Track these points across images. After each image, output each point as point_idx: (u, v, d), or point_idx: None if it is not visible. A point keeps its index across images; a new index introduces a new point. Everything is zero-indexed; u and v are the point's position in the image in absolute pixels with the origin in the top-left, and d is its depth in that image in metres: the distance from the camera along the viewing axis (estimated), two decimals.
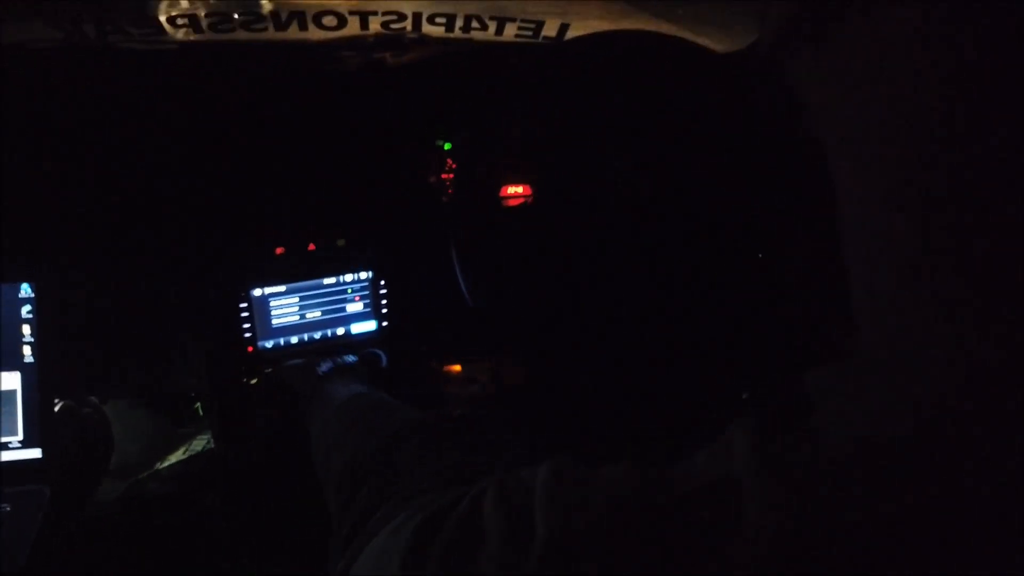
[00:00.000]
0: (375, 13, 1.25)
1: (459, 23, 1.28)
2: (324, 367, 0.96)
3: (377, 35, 1.28)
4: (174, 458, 1.37)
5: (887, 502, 0.34)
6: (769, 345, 1.23)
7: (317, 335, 1.22)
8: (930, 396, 0.36)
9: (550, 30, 1.29)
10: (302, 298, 1.20)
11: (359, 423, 0.71)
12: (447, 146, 1.28)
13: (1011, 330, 0.34)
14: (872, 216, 0.40)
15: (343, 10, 1.23)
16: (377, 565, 0.47)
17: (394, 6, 1.21)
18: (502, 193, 1.31)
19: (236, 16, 1.19)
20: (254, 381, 1.18)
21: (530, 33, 1.30)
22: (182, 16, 1.18)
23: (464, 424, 1.28)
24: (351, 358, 1.02)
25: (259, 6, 1.16)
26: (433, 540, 0.42)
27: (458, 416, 1.30)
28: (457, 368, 1.36)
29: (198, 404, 1.40)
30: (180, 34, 1.19)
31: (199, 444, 1.39)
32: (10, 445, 0.99)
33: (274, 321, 1.19)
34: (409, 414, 0.73)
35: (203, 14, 1.15)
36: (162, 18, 1.16)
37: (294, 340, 1.21)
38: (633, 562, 0.36)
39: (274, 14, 1.21)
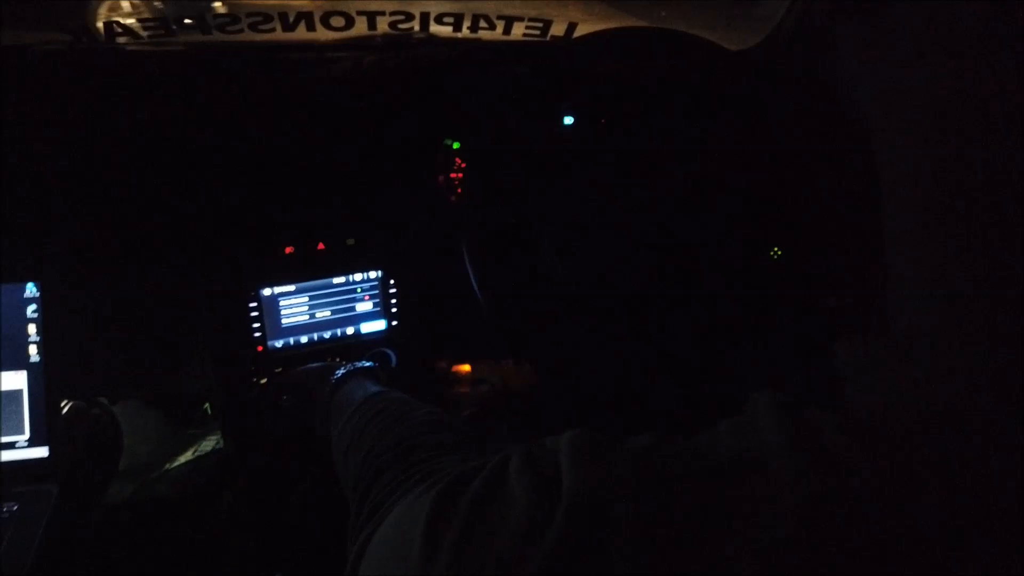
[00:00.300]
0: (382, 13, 1.25)
1: (467, 23, 1.29)
2: (340, 371, 0.96)
3: (385, 35, 1.28)
4: (183, 459, 1.37)
5: (920, 473, 0.34)
6: (787, 346, 1.23)
7: (327, 334, 1.22)
8: (963, 374, 0.36)
9: (558, 29, 1.29)
10: (312, 297, 1.20)
11: (376, 421, 0.70)
12: (456, 145, 1.27)
13: None
14: (913, 200, 0.40)
15: (351, 10, 1.24)
16: (398, 531, 0.46)
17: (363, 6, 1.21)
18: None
19: (243, 16, 1.20)
20: (263, 381, 1.18)
21: (538, 32, 1.30)
22: (190, 18, 1.19)
23: (479, 422, 1.29)
24: (367, 363, 1.02)
25: (212, 8, 1.17)
26: (458, 501, 0.42)
27: (468, 415, 1.31)
28: (467, 368, 1.35)
29: (207, 404, 1.39)
30: (188, 36, 1.20)
31: (208, 445, 1.39)
32: (16, 444, 0.99)
33: (284, 321, 1.19)
34: (426, 410, 0.72)
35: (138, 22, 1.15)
36: (170, 19, 1.17)
37: (304, 340, 1.20)
38: (659, 522, 0.36)
39: (281, 15, 1.21)
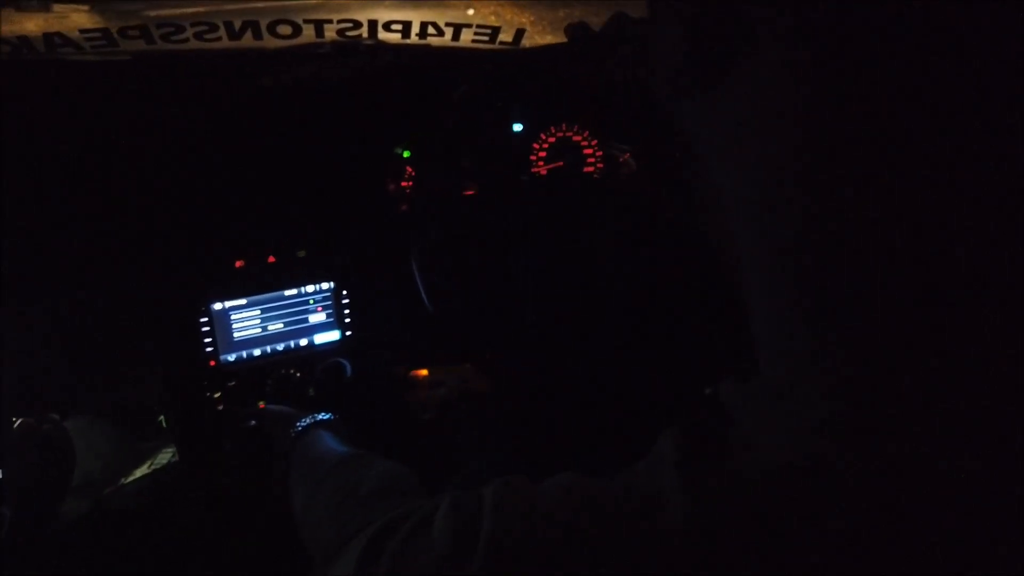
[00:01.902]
0: (330, 21, 1.24)
1: (415, 30, 1.28)
2: (301, 424, 0.98)
3: (333, 43, 1.27)
4: (139, 473, 1.36)
5: (792, 521, 0.37)
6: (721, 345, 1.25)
7: (280, 347, 1.22)
8: (820, 419, 0.38)
9: (506, 35, 1.30)
10: (263, 311, 1.20)
11: (347, 497, 0.72)
12: (406, 154, 1.27)
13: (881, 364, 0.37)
14: (759, 259, 0.42)
15: (298, 19, 1.23)
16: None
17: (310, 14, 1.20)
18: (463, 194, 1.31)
19: (188, 25, 1.18)
20: (217, 395, 1.18)
21: (486, 38, 1.31)
22: (132, 28, 1.17)
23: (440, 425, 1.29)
24: (327, 415, 1.03)
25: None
26: (386, 543, 0.45)
27: (428, 419, 1.32)
28: (423, 373, 1.36)
29: (161, 417, 1.38)
30: (131, 46, 1.18)
31: (164, 458, 1.37)
32: None
33: (236, 334, 1.18)
34: (376, 478, 0.74)
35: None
36: (113, 30, 1.15)
37: (257, 353, 1.20)
38: (570, 562, 0.39)
39: (227, 23, 1.20)
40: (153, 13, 1.16)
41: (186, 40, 1.21)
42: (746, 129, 0.41)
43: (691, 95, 0.45)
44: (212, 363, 1.17)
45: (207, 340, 1.16)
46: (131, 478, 1.35)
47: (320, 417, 1.01)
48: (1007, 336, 0.35)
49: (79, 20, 1.15)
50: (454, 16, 1.27)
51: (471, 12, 1.22)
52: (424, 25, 1.28)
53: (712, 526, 0.37)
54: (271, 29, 1.23)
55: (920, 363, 0.36)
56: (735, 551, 0.37)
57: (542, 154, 1.33)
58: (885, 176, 0.35)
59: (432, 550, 0.43)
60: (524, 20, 1.20)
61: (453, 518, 0.43)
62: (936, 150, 0.35)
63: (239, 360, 1.19)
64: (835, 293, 0.38)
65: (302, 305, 1.22)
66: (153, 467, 1.37)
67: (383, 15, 1.26)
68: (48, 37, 1.14)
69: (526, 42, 1.31)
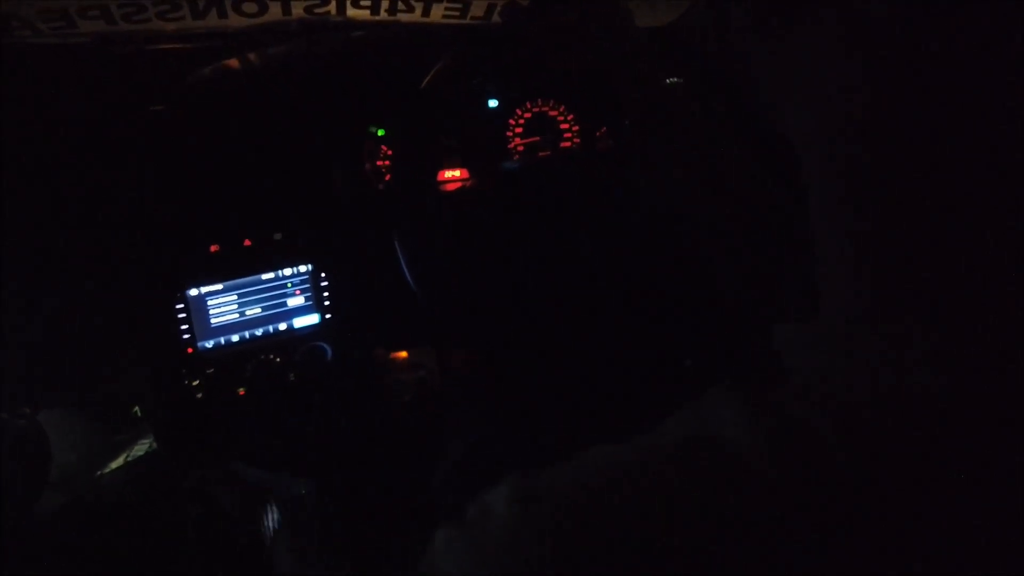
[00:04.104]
0: None
1: (385, 5, 1.26)
2: (271, 520, 0.97)
3: (300, 20, 1.25)
4: (115, 465, 1.33)
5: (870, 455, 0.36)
6: (705, 317, 1.26)
7: (259, 332, 1.20)
8: (877, 359, 0.38)
9: (478, 10, 1.28)
10: (241, 295, 1.18)
11: None
12: (381, 132, 1.26)
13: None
14: (826, 202, 0.42)
15: None
16: None
17: None
18: (439, 177, 1.30)
19: (149, 4, 1.15)
20: (195, 383, 1.16)
21: (457, 13, 1.29)
22: (92, 7, 1.13)
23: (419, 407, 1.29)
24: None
25: None
26: None
27: (408, 400, 1.31)
28: (403, 355, 1.35)
29: (136, 408, 1.36)
30: (91, 26, 1.14)
31: (140, 449, 1.35)
32: None
33: (213, 320, 1.16)
34: None
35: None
36: (71, 10, 1.12)
37: (235, 338, 1.18)
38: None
39: (190, 1, 1.17)
40: None
41: (148, 19, 1.17)
42: (826, 65, 0.41)
43: (770, 30, 0.44)
44: (189, 350, 1.15)
45: (183, 327, 1.14)
46: (107, 470, 1.33)
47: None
48: None
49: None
50: None
51: None
52: (394, 0, 1.25)
53: (797, 462, 0.37)
54: (236, 7, 1.20)
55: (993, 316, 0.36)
56: (823, 483, 0.37)
57: (518, 130, 1.32)
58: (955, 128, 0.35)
59: None
60: None
61: None
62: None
63: (217, 347, 1.17)
64: (900, 237, 0.38)
65: (280, 289, 1.21)
66: (129, 459, 1.34)
67: None
68: (4, 19, 1.10)
69: (498, 17, 1.30)
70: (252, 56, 1.19)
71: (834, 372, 0.41)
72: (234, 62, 1.19)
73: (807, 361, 0.43)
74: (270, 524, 1.07)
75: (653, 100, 0.82)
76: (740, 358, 1.17)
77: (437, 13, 1.29)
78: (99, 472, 1.32)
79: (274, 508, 1.06)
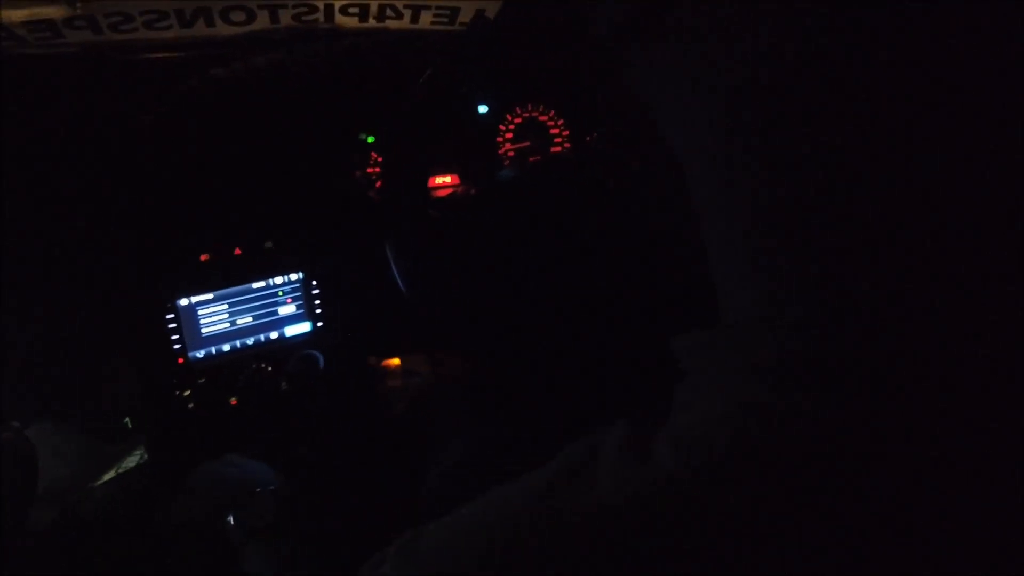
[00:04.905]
0: (285, 6, 1.21)
1: (373, 13, 1.26)
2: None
3: (288, 28, 1.25)
4: (106, 477, 1.32)
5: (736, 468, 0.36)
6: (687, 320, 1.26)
7: (250, 341, 1.19)
8: (770, 362, 0.38)
9: (466, 16, 1.28)
10: (231, 304, 1.17)
11: None
12: (370, 139, 1.25)
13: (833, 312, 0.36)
14: (713, 200, 0.42)
15: (251, 4, 1.19)
16: None
17: None
18: (430, 184, 1.30)
19: (137, 14, 1.15)
20: (187, 393, 1.15)
21: (446, 20, 1.29)
22: (79, 18, 1.12)
23: (413, 415, 1.28)
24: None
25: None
26: None
27: (402, 409, 1.30)
28: (396, 362, 1.35)
29: (127, 419, 1.34)
30: (79, 36, 1.14)
31: (132, 461, 1.34)
32: None
33: (204, 330, 1.15)
34: None
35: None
36: (58, 20, 1.11)
37: (226, 348, 1.17)
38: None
39: (177, 11, 1.16)
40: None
41: (135, 30, 1.17)
42: (682, 77, 0.40)
43: (631, 44, 0.44)
44: (180, 360, 1.14)
45: (174, 337, 1.13)
46: (99, 483, 1.31)
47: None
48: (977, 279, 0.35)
49: (21, 13, 1.10)
50: None
51: None
52: (382, 8, 1.26)
53: (649, 492, 0.37)
54: (224, 16, 1.20)
55: (876, 305, 0.35)
56: (674, 515, 0.36)
57: (509, 135, 1.32)
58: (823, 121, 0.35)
59: None
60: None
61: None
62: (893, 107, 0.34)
63: (208, 356, 1.16)
64: (777, 233, 0.38)
65: (271, 297, 1.20)
66: (120, 471, 1.33)
67: None
68: None
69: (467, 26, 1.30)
70: (241, 65, 1.19)
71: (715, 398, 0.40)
72: (223, 71, 1.19)
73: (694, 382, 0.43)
74: (255, 520, 1.06)
75: (625, 106, 0.82)
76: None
77: (425, 20, 1.29)
78: (90, 485, 1.31)
79: (260, 505, 1.05)
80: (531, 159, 1.34)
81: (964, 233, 0.34)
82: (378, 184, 1.27)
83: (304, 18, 1.24)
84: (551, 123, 1.35)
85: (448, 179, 1.31)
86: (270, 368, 1.20)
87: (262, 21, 1.22)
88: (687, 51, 0.40)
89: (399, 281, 1.17)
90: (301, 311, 1.22)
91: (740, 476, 0.35)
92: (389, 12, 1.27)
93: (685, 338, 0.44)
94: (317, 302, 1.23)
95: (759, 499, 0.35)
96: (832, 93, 0.35)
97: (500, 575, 0.39)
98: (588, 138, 1.34)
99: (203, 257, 1.15)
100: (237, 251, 1.17)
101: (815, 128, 0.35)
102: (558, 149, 1.35)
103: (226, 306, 1.17)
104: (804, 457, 0.35)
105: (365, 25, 1.28)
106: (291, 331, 1.22)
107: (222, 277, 1.16)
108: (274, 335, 1.21)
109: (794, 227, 0.37)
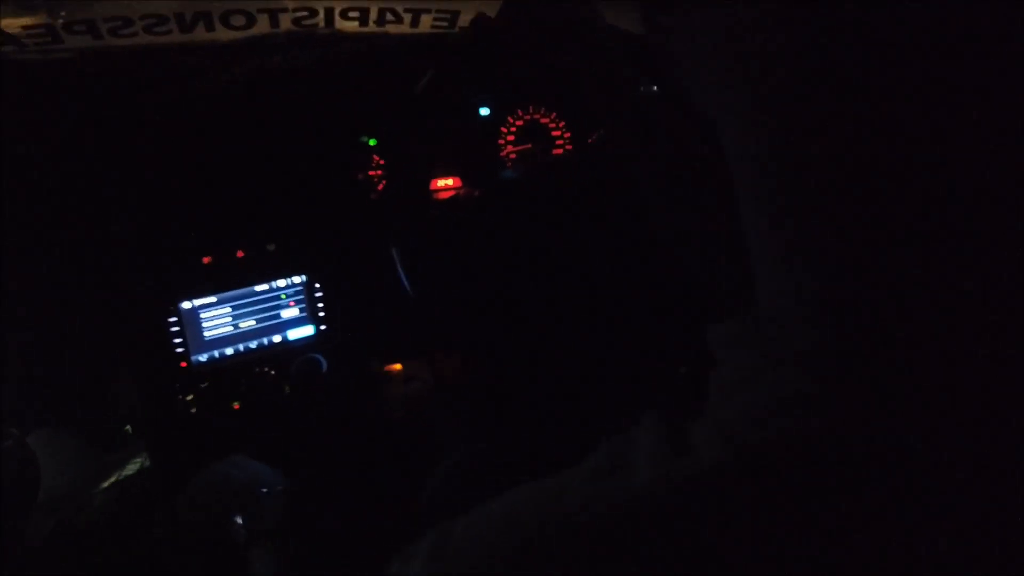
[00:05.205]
0: (285, 10, 1.21)
1: (373, 17, 1.26)
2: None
3: (289, 33, 1.25)
4: (106, 485, 1.31)
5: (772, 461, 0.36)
6: (695, 322, 1.26)
7: (253, 344, 1.19)
8: (818, 350, 0.37)
9: (466, 19, 1.29)
10: (234, 307, 1.16)
11: None
12: (372, 142, 1.25)
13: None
14: (761, 193, 0.42)
15: (251, 8, 1.19)
16: None
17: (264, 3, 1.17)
18: (432, 186, 1.30)
19: (136, 19, 1.14)
20: (189, 398, 1.14)
21: (446, 23, 1.29)
22: (78, 23, 1.12)
23: (414, 420, 1.28)
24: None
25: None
26: None
27: (402, 414, 1.30)
28: (397, 367, 1.34)
29: (128, 426, 1.33)
30: (78, 41, 1.13)
31: (132, 468, 1.32)
32: None
33: (206, 333, 1.15)
34: None
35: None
36: (57, 25, 1.11)
37: (229, 351, 1.17)
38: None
39: (178, 15, 1.16)
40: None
41: (135, 34, 1.17)
42: (728, 41, 0.40)
43: (672, 30, 0.44)
44: (183, 364, 1.13)
45: (177, 340, 1.12)
46: (98, 491, 1.30)
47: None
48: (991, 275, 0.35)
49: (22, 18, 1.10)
50: (412, 1, 1.25)
51: None
52: (382, 12, 1.26)
53: (693, 482, 0.36)
54: (224, 20, 1.20)
55: (907, 300, 0.35)
56: (713, 502, 0.36)
57: (510, 138, 1.32)
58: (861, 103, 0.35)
59: None
60: (485, 2, 1.18)
61: None
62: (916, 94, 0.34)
63: (211, 360, 1.15)
64: (808, 225, 0.38)
65: (274, 300, 1.19)
66: (121, 478, 1.32)
67: (339, 2, 1.23)
68: None
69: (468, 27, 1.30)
70: (242, 68, 1.19)
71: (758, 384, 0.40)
72: (223, 75, 1.18)
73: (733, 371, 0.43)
74: (261, 522, 1.05)
75: (627, 108, 0.82)
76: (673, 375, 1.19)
77: (426, 23, 1.29)
78: (90, 492, 1.29)
79: (267, 506, 1.04)
80: (533, 161, 1.34)
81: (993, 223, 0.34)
82: (380, 187, 1.27)
83: (304, 22, 1.24)
84: (552, 125, 1.35)
85: (450, 181, 1.31)
86: (273, 372, 1.19)
87: (262, 25, 1.22)
88: (738, 34, 0.39)
89: (404, 283, 1.17)
90: (304, 314, 1.22)
91: (792, 464, 0.35)
92: (389, 16, 1.27)
93: (721, 328, 0.44)
94: (320, 305, 1.23)
95: (809, 487, 0.35)
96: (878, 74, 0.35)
97: (540, 566, 0.39)
98: (589, 139, 1.34)
99: (205, 260, 1.15)
100: (240, 253, 1.17)
101: (859, 124, 0.35)
102: (560, 151, 1.35)
103: (229, 309, 1.16)
104: (853, 446, 0.35)
105: (365, 29, 1.28)
106: (294, 334, 1.21)
107: (225, 280, 1.16)
108: (277, 338, 1.20)
109: (844, 214, 0.36)
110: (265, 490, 1.04)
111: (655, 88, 1.12)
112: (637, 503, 0.37)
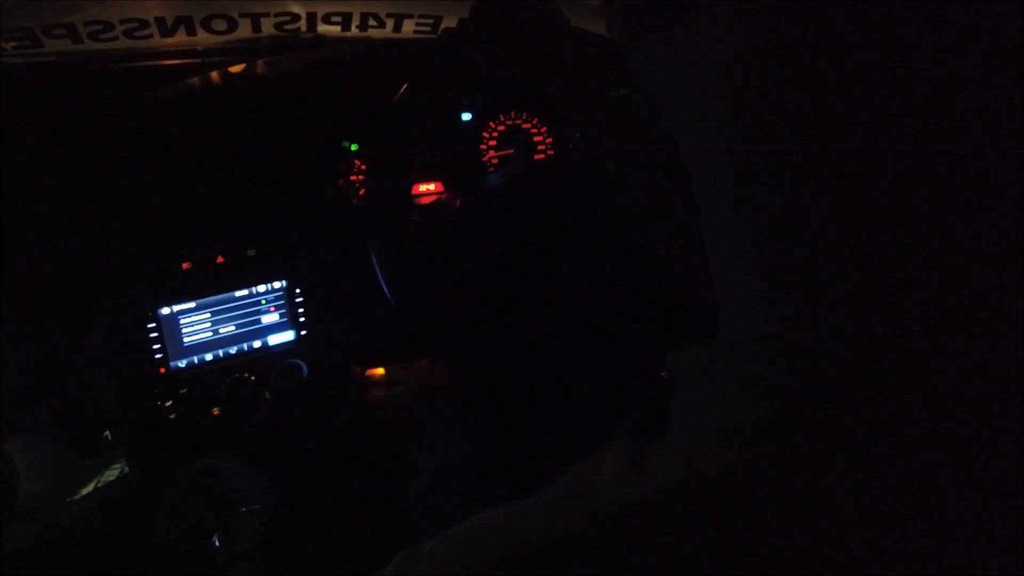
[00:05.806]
0: (267, 15, 1.21)
1: (355, 21, 1.26)
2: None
3: (271, 37, 1.24)
4: (85, 491, 1.30)
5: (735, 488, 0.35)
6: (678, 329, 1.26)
7: (232, 350, 1.18)
8: (782, 380, 0.37)
9: (449, 23, 1.29)
10: (214, 313, 1.16)
11: None
12: (354, 147, 1.25)
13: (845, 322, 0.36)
14: (722, 208, 0.41)
15: (233, 13, 1.19)
16: None
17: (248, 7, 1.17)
18: (414, 191, 1.30)
19: (117, 23, 1.14)
20: (168, 404, 1.13)
21: (429, 28, 1.29)
22: (58, 26, 1.11)
23: (397, 426, 1.27)
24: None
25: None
26: None
27: (385, 419, 1.29)
28: (380, 372, 1.34)
29: (107, 432, 1.32)
30: (58, 45, 1.13)
31: (112, 474, 1.31)
32: None
33: (186, 339, 1.14)
34: None
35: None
36: (37, 29, 1.10)
37: (208, 357, 1.16)
38: None
39: (158, 20, 1.16)
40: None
41: (115, 38, 1.16)
42: (696, 74, 0.40)
43: (645, 38, 0.44)
44: (162, 370, 1.12)
45: (156, 346, 1.12)
46: (77, 497, 1.29)
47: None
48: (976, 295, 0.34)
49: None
50: (395, 6, 1.25)
51: None
52: (365, 16, 1.26)
53: (648, 504, 0.36)
54: (205, 24, 1.19)
55: (881, 329, 0.35)
56: (675, 529, 0.35)
57: (492, 143, 1.32)
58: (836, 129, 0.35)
59: None
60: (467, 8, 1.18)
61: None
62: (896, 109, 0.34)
63: (190, 366, 1.15)
64: (781, 248, 0.37)
65: (254, 306, 1.19)
66: (100, 485, 1.31)
67: (322, 7, 1.23)
68: None
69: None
70: (223, 73, 1.18)
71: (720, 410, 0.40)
72: (205, 79, 1.18)
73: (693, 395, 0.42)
74: (240, 541, 1.05)
75: (601, 112, 0.82)
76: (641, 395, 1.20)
77: (408, 28, 1.30)
78: (68, 500, 1.28)
79: (245, 524, 1.04)
80: (515, 166, 1.34)
81: (973, 250, 0.34)
82: (362, 192, 1.26)
83: (286, 27, 1.24)
84: (534, 130, 1.35)
85: (432, 187, 1.30)
86: (253, 378, 1.18)
87: (244, 30, 1.22)
88: (710, 42, 0.39)
89: (384, 288, 1.17)
90: (284, 319, 1.21)
91: (748, 491, 0.35)
92: (371, 21, 1.27)
93: (683, 355, 0.43)
94: (301, 310, 1.22)
95: (767, 513, 0.34)
96: (850, 99, 0.34)
97: None
98: (571, 145, 1.35)
99: (185, 265, 1.14)
100: (220, 259, 1.16)
101: (832, 137, 0.35)
102: (542, 156, 1.35)
103: (208, 315, 1.15)
104: (816, 473, 0.34)
105: (348, 34, 1.28)
106: (274, 340, 1.21)
107: (204, 285, 1.15)
108: (257, 344, 1.20)
109: (808, 241, 0.36)
110: (244, 509, 1.03)
111: (626, 92, 1.12)
112: (596, 524, 0.37)
